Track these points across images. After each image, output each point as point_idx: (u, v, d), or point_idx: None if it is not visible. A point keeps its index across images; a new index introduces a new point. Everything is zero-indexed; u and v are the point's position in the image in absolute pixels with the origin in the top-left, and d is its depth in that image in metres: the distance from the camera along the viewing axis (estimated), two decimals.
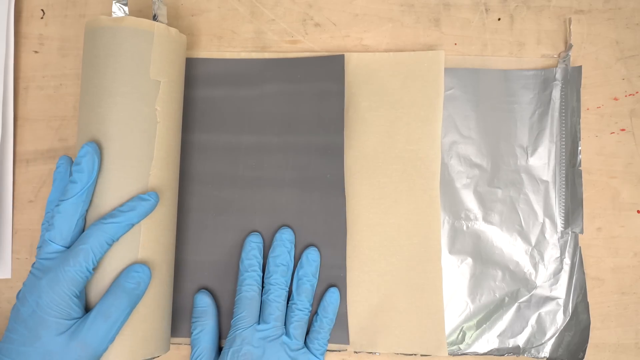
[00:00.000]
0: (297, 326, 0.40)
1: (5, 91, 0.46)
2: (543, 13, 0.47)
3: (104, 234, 0.35)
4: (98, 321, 0.34)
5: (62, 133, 0.46)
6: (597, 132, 0.46)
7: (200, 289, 0.44)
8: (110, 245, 0.35)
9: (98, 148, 0.36)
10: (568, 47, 0.46)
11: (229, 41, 0.47)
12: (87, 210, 0.37)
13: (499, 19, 0.47)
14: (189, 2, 0.47)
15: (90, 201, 0.37)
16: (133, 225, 0.36)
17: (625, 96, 0.46)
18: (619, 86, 0.46)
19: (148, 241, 0.37)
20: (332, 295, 0.42)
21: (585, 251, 0.44)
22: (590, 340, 0.43)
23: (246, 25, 0.47)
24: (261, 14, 0.47)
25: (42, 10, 0.48)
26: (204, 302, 0.42)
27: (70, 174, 0.36)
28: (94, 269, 0.35)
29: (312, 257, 0.42)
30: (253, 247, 0.42)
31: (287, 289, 0.41)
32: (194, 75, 0.46)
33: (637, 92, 0.46)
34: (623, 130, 0.46)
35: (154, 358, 0.39)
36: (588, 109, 0.46)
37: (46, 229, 0.36)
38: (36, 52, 0.47)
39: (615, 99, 0.46)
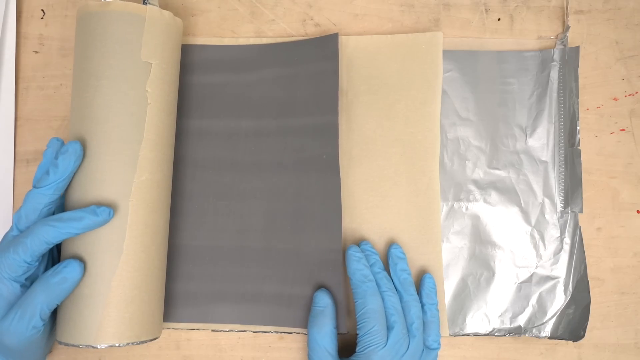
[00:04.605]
0: (419, 325, 0.39)
1: (5, 91, 0.46)
2: (543, 13, 0.47)
3: (44, 234, 0.35)
4: (13, 311, 0.35)
5: (62, 133, 0.46)
6: (596, 132, 0.46)
7: (200, 274, 0.43)
8: (50, 245, 0.35)
9: (81, 148, 0.36)
10: (565, 28, 0.46)
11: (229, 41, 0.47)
12: (58, 199, 0.37)
13: (499, 19, 0.47)
14: (189, 2, 0.47)
15: (76, 182, 0.37)
16: (74, 235, 0.35)
17: (625, 96, 0.46)
18: (619, 86, 0.46)
19: (136, 223, 0.37)
20: (430, 280, 0.41)
21: (585, 251, 0.44)
22: (590, 340, 0.43)
23: (246, 25, 0.47)
24: (261, 14, 0.47)
25: (42, 10, 0.48)
26: (324, 302, 0.40)
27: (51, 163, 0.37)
28: (37, 260, 0.36)
29: (398, 252, 0.42)
30: (359, 257, 0.41)
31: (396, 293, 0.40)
32: (192, 61, 0.46)
33: (636, 92, 0.46)
34: (623, 130, 0.46)
35: (144, 342, 0.38)
36: (588, 109, 0.46)
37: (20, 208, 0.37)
38: (36, 52, 0.47)
39: (615, 99, 0.46)
